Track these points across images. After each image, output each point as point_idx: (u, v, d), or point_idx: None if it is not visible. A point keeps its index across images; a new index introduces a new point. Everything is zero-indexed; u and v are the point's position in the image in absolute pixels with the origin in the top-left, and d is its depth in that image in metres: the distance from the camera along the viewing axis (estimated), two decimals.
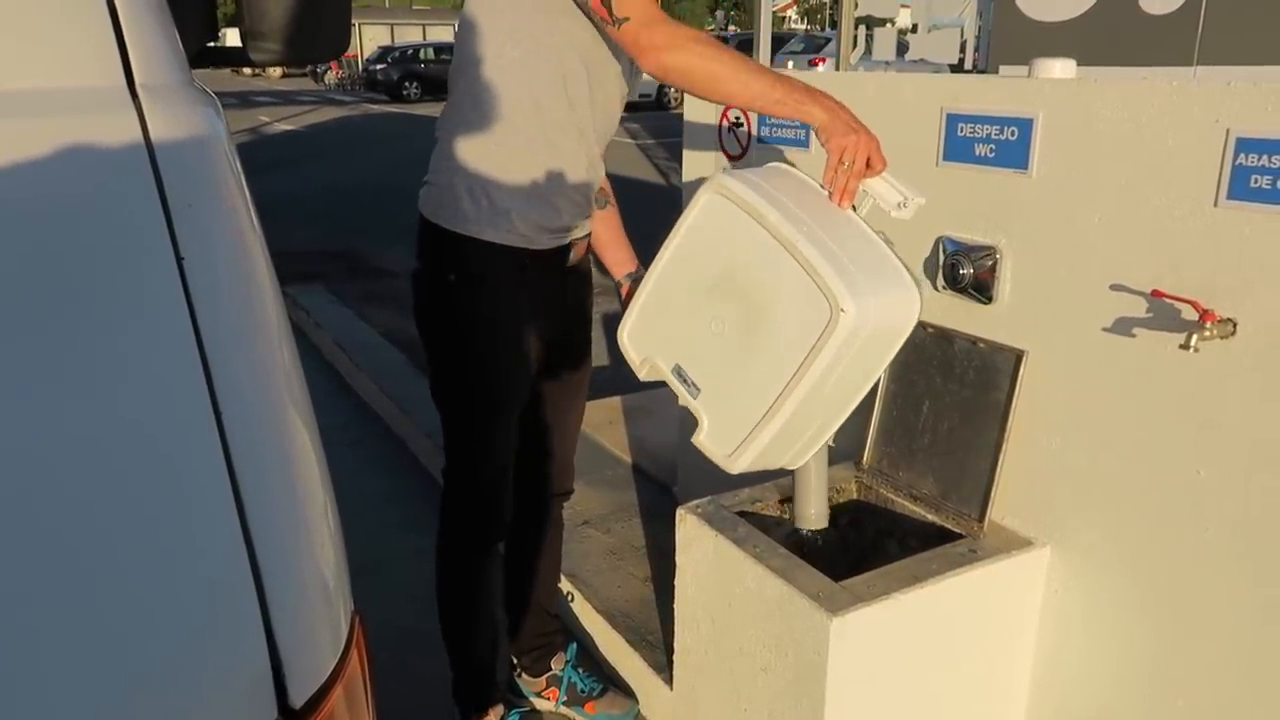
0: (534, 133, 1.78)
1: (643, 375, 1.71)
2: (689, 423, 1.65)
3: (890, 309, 1.47)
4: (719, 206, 1.58)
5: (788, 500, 2.03)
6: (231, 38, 1.17)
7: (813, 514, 1.82)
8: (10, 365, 0.67)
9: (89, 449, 0.66)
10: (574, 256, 1.96)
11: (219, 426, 0.69)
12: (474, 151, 1.80)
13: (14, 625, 0.60)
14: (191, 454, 0.68)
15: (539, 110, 1.77)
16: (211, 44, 1.17)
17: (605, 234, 2.08)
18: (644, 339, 1.71)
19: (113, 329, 0.70)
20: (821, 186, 1.58)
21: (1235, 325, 1.47)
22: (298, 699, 0.66)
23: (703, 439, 1.60)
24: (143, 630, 0.63)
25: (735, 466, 1.57)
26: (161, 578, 0.64)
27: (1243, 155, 1.44)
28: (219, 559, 0.66)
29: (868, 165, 1.53)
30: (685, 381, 1.62)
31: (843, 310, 1.40)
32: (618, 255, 2.08)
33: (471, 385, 1.94)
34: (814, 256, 1.43)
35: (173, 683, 0.63)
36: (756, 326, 1.52)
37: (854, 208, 1.57)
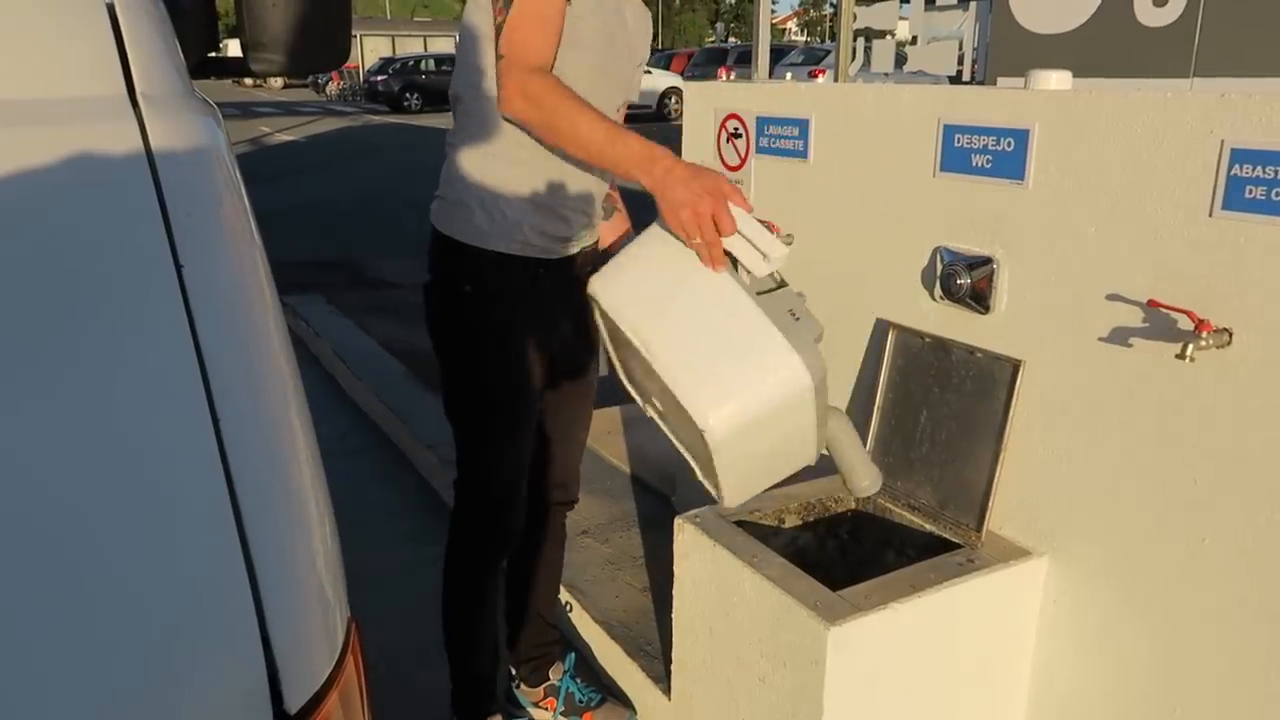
0: (543, 147, 1.80)
1: (649, 413, 1.72)
2: None
3: (761, 397, 1.38)
4: (599, 312, 1.54)
5: (785, 509, 2.03)
6: (233, 49, 1.18)
7: (865, 484, 1.69)
8: (8, 373, 0.67)
9: (86, 457, 0.66)
10: (582, 263, 1.99)
11: (217, 434, 0.69)
12: (486, 166, 1.84)
13: (11, 634, 0.60)
14: (189, 461, 0.69)
15: None
16: (213, 54, 1.18)
17: (613, 239, 2.13)
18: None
19: (111, 336, 0.71)
20: None
21: (1231, 335, 1.48)
22: (293, 704, 0.66)
23: (700, 478, 1.61)
24: (139, 636, 0.63)
25: (727, 503, 1.57)
26: (158, 584, 0.65)
27: (1238, 166, 1.44)
28: (215, 565, 0.66)
29: (721, 226, 1.39)
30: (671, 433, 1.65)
31: (704, 430, 1.36)
32: None
33: (490, 396, 1.96)
34: (672, 368, 1.38)
35: (169, 688, 0.63)
36: (669, 413, 1.54)
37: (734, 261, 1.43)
